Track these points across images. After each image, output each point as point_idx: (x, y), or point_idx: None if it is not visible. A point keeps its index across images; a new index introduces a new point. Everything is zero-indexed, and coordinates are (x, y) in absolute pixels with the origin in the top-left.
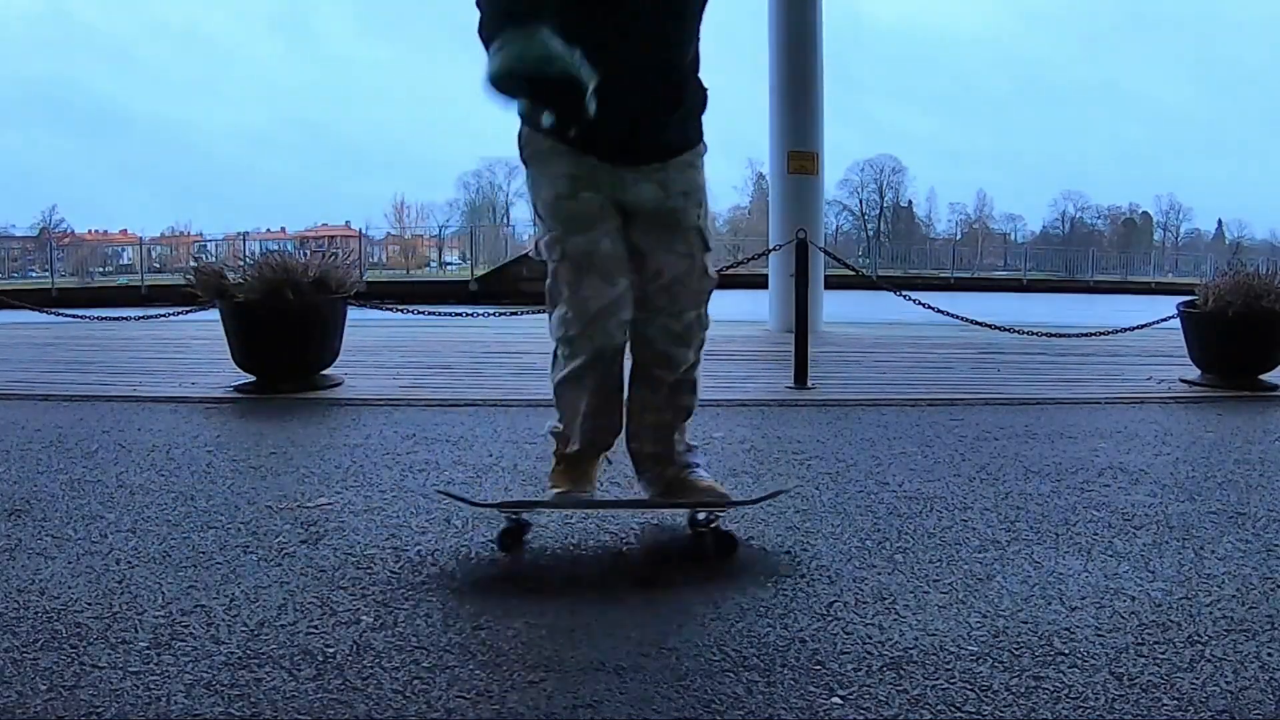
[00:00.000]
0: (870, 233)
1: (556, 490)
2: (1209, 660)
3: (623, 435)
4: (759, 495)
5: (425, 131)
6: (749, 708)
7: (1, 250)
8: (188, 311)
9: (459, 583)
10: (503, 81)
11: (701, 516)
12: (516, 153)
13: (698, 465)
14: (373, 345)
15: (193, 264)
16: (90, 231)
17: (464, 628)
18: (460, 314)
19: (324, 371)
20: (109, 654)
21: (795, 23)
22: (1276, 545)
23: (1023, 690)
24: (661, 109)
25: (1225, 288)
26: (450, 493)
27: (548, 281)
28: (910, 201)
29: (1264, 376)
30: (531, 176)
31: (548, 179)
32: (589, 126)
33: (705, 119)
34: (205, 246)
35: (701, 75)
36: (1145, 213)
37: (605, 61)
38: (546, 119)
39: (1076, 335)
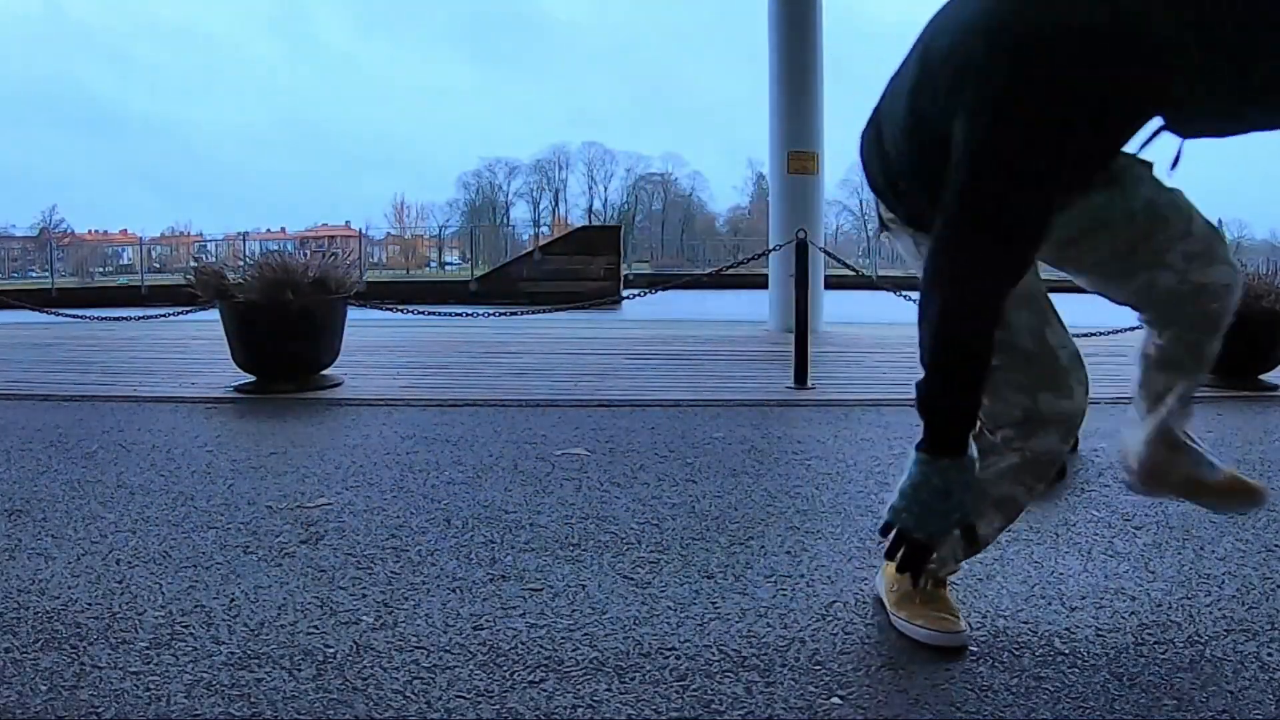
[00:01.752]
0: (870, 233)
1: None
2: (1209, 660)
3: None
4: None
5: (425, 131)
6: (749, 708)
7: (1, 250)
8: (188, 311)
9: (459, 583)
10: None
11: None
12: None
13: None
14: (373, 345)
15: (193, 264)
16: (90, 231)
17: (464, 628)
18: (460, 314)
19: (324, 371)
20: (109, 654)
21: (795, 22)
22: (1276, 545)
23: (1023, 690)
24: None
25: None
26: None
27: None
28: None
29: (1264, 376)
30: None
31: None
32: None
33: (704, 119)
34: (205, 246)
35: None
36: None
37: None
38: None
39: (1076, 335)
